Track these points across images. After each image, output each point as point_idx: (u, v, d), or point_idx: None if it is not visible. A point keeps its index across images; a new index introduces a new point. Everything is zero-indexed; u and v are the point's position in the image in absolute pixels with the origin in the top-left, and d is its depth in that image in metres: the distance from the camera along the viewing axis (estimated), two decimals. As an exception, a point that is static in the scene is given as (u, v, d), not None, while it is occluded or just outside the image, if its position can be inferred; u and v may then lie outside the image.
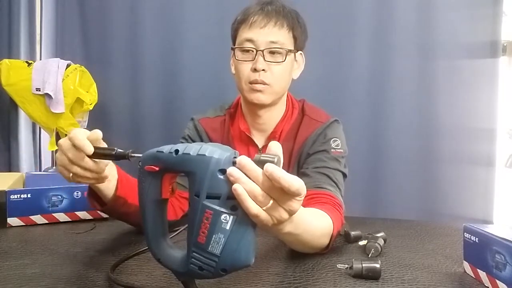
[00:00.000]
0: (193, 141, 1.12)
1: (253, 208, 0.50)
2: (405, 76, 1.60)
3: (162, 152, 0.56)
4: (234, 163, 0.52)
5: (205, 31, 1.76)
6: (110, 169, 0.79)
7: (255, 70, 1.00)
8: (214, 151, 0.53)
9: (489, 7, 1.52)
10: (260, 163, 0.51)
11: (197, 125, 1.14)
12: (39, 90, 1.70)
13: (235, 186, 0.50)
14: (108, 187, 0.82)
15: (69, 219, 1.07)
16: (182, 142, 1.12)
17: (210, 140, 1.12)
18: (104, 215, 1.07)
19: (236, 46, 1.05)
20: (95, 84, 1.79)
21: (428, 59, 1.58)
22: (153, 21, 1.82)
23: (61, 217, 1.06)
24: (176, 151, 0.54)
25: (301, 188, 0.51)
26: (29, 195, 1.04)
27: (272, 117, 1.09)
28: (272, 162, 0.51)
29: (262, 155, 0.52)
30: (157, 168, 0.56)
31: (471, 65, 1.56)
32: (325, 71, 1.64)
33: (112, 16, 1.87)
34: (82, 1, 1.91)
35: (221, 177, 0.52)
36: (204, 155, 0.52)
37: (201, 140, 1.12)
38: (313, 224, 0.73)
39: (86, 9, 1.91)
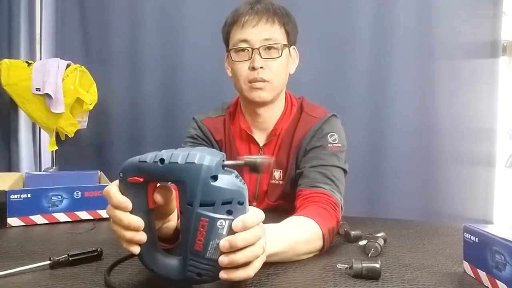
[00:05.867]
0: (202, 140, 1.12)
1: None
2: (405, 76, 1.60)
3: (146, 162, 0.53)
4: (223, 167, 0.52)
5: (205, 31, 1.76)
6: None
7: (253, 68, 1.00)
8: (203, 157, 0.51)
9: (489, 7, 1.52)
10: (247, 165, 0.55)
11: (201, 126, 1.14)
12: (39, 90, 1.70)
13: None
14: (168, 227, 0.70)
15: (69, 219, 1.07)
16: (191, 142, 1.12)
17: (215, 139, 1.13)
18: (104, 215, 1.07)
19: (231, 48, 1.05)
20: (95, 84, 1.79)
21: (428, 59, 1.58)
22: (153, 21, 1.82)
23: (61, 217, 1.06)
24: (162, 160, 0.52)
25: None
26: (29, 195, 1.03)
27: (271, 115, 1.10)
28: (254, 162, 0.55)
29: (246, 156, 0.55)
30: (141, 180, 0.54)
31: (471, 65, 1.56)
32: (325, 70, 1.64)
33: (112, 16, 1.87)
34: (82, 1, 1.91)
35: (214, 183, 0.51)
36: (194, 162, 0.51)
37: (209, 140, 1.13)
38: (297, 236, 0.75)
39: (86, 9, 1.91)
